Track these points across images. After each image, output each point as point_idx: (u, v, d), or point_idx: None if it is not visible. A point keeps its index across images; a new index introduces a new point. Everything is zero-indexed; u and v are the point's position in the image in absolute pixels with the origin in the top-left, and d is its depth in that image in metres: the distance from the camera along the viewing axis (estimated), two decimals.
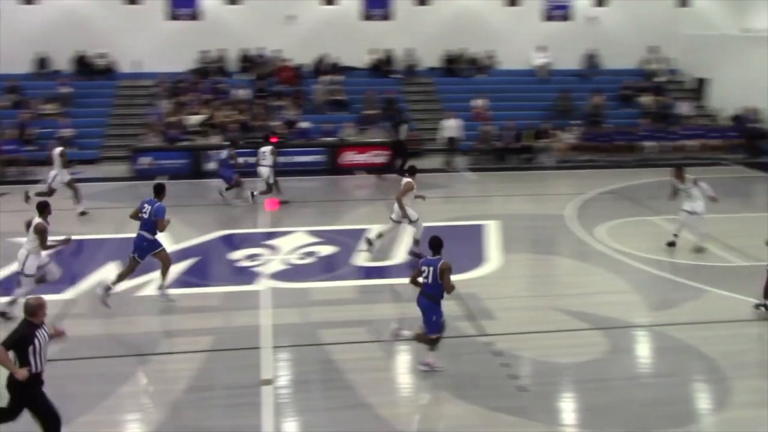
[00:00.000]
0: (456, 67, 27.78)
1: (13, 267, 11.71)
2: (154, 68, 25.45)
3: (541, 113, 25.40)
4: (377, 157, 22.83)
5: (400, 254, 14.56)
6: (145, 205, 11.63)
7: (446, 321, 9.65)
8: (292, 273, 13.34)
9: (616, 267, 13.83)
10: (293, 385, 9.46)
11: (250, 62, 26.66)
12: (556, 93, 26.24)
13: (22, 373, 7.14)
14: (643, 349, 10.87)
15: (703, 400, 9.33)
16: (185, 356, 10.19)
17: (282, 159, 21.75)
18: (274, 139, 22.17)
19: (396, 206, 14.06)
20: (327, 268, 14.02)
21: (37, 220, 11.03)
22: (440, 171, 22.41)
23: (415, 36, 27.41)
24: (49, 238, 11.03)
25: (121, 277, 11.85)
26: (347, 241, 15.33)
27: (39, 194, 15.85)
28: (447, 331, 9.77)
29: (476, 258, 14.30)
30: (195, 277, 13.28)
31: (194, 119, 23.40)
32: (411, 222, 14.08)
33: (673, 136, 24.63)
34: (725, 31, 27.91)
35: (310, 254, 14.54)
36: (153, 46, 25.94)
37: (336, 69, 26.55)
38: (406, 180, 14.04)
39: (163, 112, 23.68)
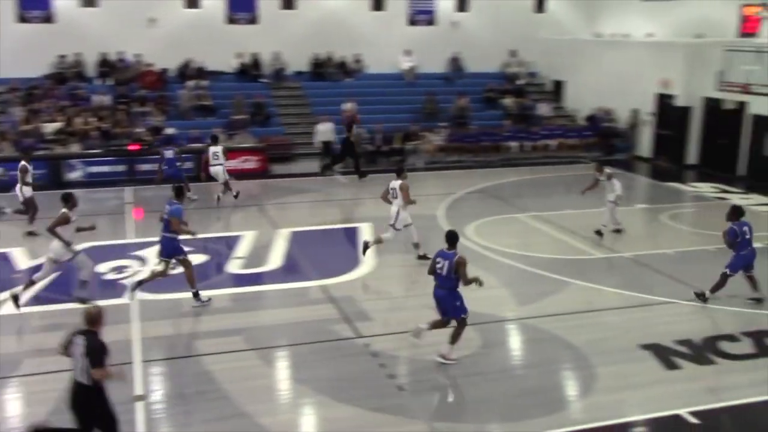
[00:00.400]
0: (324, 70, 27.83)
1: None
2: (4, 74, 23.93)
3: (409, 116, 25.89)
4: (247, 163, 22.50)
5: (273, 261, 14.41)
6: (166, 207, 12.03)
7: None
8: (162, 284, 12.89)
9: (485, 263, 14.25)
10: (168, 399, 9.16)
11: (109, 67, 25.60)
12: (423, 96, 26.80)
13: (121, 375, 7.46)
14: (514, 342, 11.27)
15: (571, 387, 9.77)
16: (51, 376, 9.59)
17: (147, 167, 21.17)
18: (136, 147, 21.56)
19: (393, 213, 14.05)
20: (199, 277, 13.63)
21: (62, 210, 11.63)
22: (314, 175, 22.38)
23: (282, 40, 27.24)
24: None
25: (191, 281, 11.99)
26: (219, 248, 15.03)
27: (17, 212, 16.19)
28: (320, 335, 9.75)
29: (351, 261, 14.37)
30: (57, 293, 12.59)
31: (51, 127, 22.23)
32: (392, 224, 14.12)
33: (535, 136, 25.72)
34: (578, 35, 29.49)
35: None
36: (2, 50, 24.37)
37: (202, 73, 25.97)
38: (401, 181, 14.05)
39: (17, 120, 22.34)
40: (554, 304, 12.27)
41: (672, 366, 10.01)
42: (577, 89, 28.53)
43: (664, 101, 24.55)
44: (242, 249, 15.05)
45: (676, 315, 11.82)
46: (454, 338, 10.05)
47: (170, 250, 11.99)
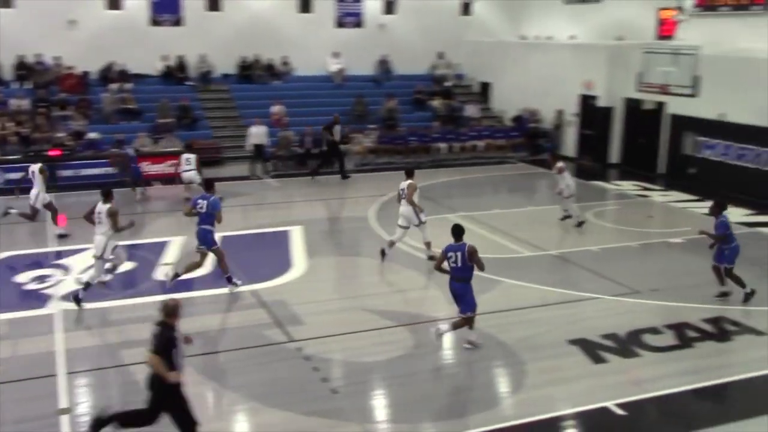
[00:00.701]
0: (252, 73, 27.56)
1: None
2: None
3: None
4: (174, 167, 21.98)
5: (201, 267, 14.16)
6: (199, 201, 12.63)
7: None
8: (86, 293, 12.54)
9: (416, 264, 14.36)
10: (95, 411, 8.89)
11: (27, 70, 24.73)
12: (352, 98, 26.82)
13: (175, 376, 7.33)
14: (447, 341, 11.33)
15: (502, 384, 9.92)
16: None
17: (69, 172, 20.70)
18: (57, 152, 20.95)
19: (403, 210, 14.27)
20: (125, 285, 13.33)
21: (106, 205, 12.09)
22: (244, 178, 22.10)
23: (208, 42, 26.85)
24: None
25: (189, 269, 12.73)
26: (145, 255, 14.69)
27: (22, 214, 16.18)
28: (252, 341, 9.63)
29: (282, 264, 14.27)
30: None
31: None
32: (416, 224, 14.28)
33: (464, 137, 26.03)
34: (504, 38, 29.98)
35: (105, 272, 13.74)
36: None
37: (125, 76, 25.35)
38: (410, 181, 14.27)
39: None
40: (484, 302, 12.34)
41: (599, 360, 10.27)
42: (503, 91, 29.01)
43: (587, 102, 25.19)
44: (170, 255, 14.76)
45: (601, 310, 12.13)
46: (456, 326, 10.48)
47: (209, 242, 12.64)
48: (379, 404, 9.34)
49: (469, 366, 10.19)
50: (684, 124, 22.21)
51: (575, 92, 25.29)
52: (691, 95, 20.61)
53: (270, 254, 15.43)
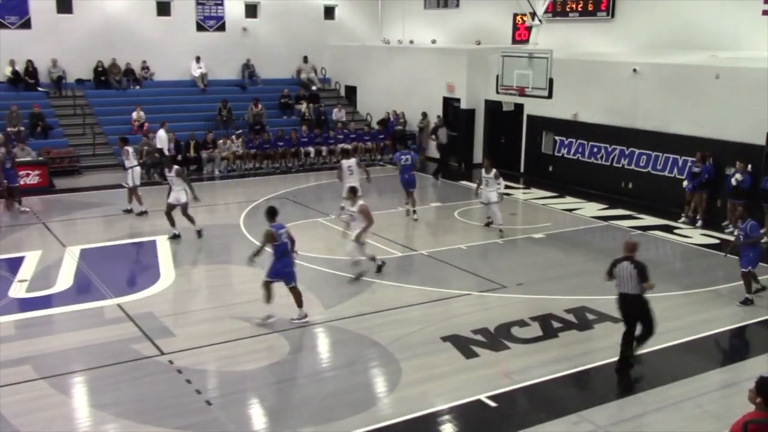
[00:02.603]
0: (109, 78, 26.47)
1: None
2: None
3: (203, 123, 25.33)
4: (26, 178, 20.77)
5: (62, 281, 13.47)
6: (402, 156, 17.99)
7: None
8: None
9: None
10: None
11: None
12: (217, 103, 26.31)
13: (653, 288, 9.78)
14: (322, 345, 11.34)
15: (379, 384, 9.98)
16: None
17: None
18: None
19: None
20: None
21: (352, 159, 17.04)
22: (104, 188, 21.17)
23: (60, 45, 25.60)
24: None
25: (414, 203, 17.86)
26: None
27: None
28: (120, 356, 9.24)
29: (149, 275, 13.81)
30: None
31: None
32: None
33: (331, 141, 26.10)
34: (367, 42, 30.33)
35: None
36: None
37: None
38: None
39: None
40: (358, 304, 12.51)
41: (471, 354, 10.55)
42: (368, 94, 29.35)
43: (450, 104, 25.86)
44: (26, 271, 13.93)
45: (472, 306, 12.48)
46: None
47: (416, 184, 17.82)
48: (257, 412, 9.19)
49: (345, 368, 10.21)
50: (541, 124, 23.23)
51: (439, 95, 25.90)
52: (547, 97, 21.51)
53: (135, 266, 14.89)
